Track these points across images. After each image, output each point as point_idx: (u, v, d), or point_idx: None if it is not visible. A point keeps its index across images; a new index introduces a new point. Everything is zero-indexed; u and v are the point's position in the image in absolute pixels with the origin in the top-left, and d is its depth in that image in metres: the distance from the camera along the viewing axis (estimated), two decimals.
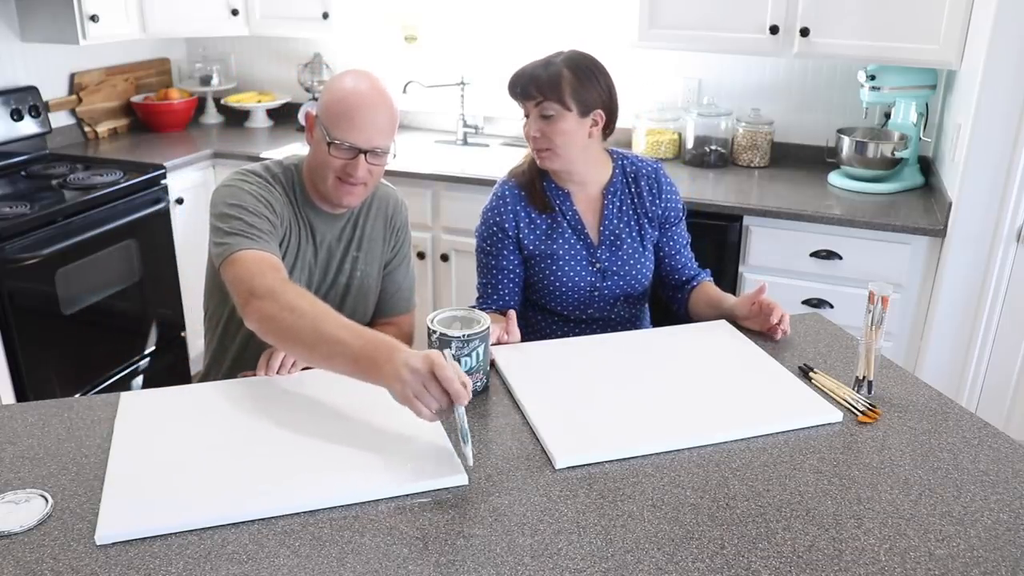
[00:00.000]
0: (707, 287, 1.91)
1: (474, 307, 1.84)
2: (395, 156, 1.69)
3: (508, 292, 1.86)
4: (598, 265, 1.85)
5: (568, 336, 1.88)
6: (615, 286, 1.87)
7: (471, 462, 1.21)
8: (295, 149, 3.23)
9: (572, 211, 1.84)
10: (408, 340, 1.86)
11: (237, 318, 1.72)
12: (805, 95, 3.12)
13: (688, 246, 1.96)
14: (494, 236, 1.84)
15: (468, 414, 1.39)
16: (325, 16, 3.27)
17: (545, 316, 1.92)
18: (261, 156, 3.11)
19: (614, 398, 1.44)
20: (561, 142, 1.74)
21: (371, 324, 1.87)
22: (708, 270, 1.97)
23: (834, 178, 2.89)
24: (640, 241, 1.88)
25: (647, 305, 2.00)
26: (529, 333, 1.93)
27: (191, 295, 3.10)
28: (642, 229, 1.88)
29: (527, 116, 1.77)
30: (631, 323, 1.94)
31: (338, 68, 3.56)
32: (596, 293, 1.86)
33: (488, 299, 1.87)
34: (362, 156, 1.60)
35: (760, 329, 1.72)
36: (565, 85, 1.71)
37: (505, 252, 1.84)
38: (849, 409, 1.43)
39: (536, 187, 1.84)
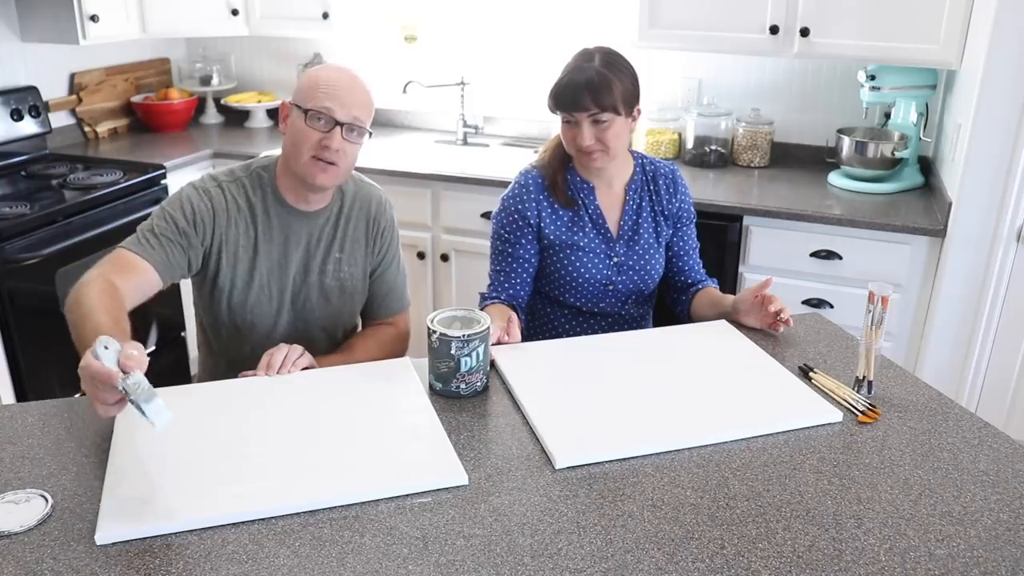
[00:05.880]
0: (710, 290, 1.93)
1: (485, 296, 1.85)
2: (371, 135, 1.66)
3: (520, 282, 1.85)
4: (615, 259, 1.86)
5: (576, 330, 1.89)
6: (629, 281, 1.87)
7: (158, 426, 1.10)
8: None
9: (594, 205, 1.85)
10: (406, 338, 1.86)
11: (220, 320, 1.73)
12: (805, 95, 3.12)
13: (697, 251, 1.97)
14: (514, 224, 1.84)
15: (468, 414, 1.40)
16: (325, 16, 3.27)
17: (555, 308, 1.92)
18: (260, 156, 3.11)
19: (614, 398, 1.44)
20: (615, 144, 1.76)
21: (367, 325, 1.87)
22: (716, 279, 1.98)
23: (834, 178, 2.89)
24: (656, 238, 1.89)
25: (651, 308, 2.00)
26: (538, 325, 1.94)
27: (191, 295, 3.09)
28: (658, 226, 1.89)
29: (569, 123, 1.75)
30: (637, 322, 1.95)
31: None
32: (610, 287, 1.87)
33: (500, 287, 1.86)
34: (338, 128, 1.58)
35: (760, 325, 1.72)
36: (616, 92, 1.71)
37: (523, 241, 1.84)
38: (849, 409, 1.43)
39: (559, 181, 1.84)
